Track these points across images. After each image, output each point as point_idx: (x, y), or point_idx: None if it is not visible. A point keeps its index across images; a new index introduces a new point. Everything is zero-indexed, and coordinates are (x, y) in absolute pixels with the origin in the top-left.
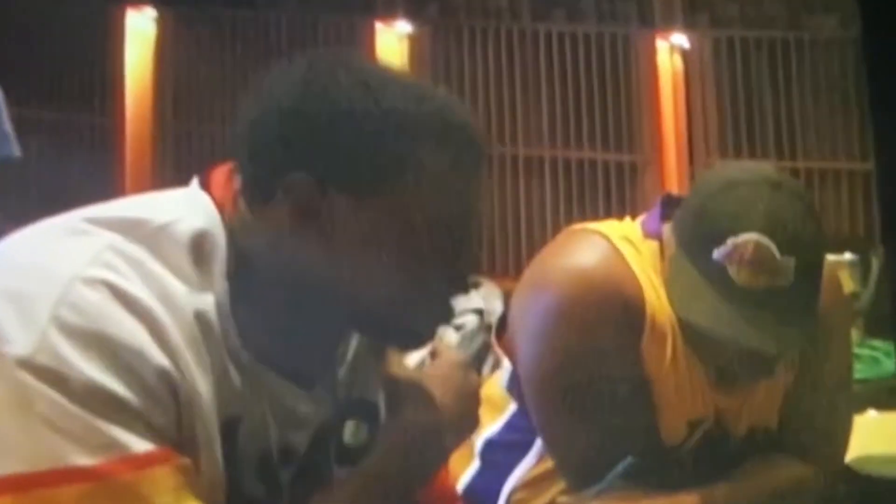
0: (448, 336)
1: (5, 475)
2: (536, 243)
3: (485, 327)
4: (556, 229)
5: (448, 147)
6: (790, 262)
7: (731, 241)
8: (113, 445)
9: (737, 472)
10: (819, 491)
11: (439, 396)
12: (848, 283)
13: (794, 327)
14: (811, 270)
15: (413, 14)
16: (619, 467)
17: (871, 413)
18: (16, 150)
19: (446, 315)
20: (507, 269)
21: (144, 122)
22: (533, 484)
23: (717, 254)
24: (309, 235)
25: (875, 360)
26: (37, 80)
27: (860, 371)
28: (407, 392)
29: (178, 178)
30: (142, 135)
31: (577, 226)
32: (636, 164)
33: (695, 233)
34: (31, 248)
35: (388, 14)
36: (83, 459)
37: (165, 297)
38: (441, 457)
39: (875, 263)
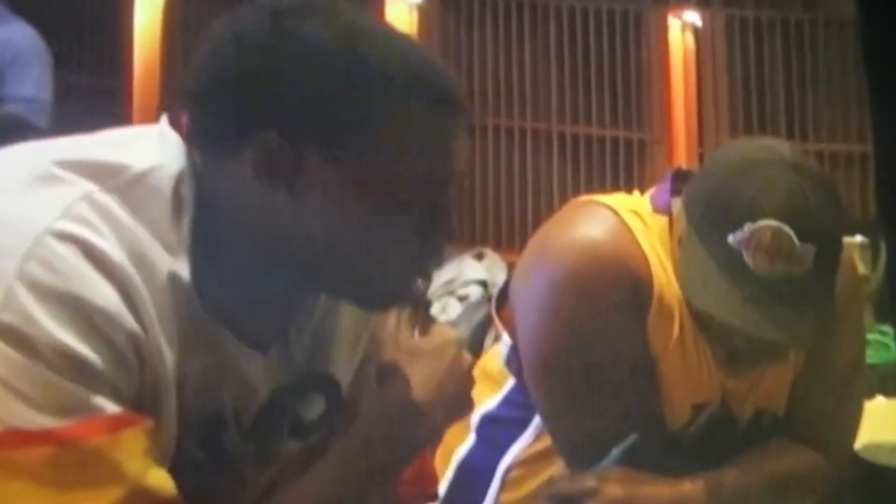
0: (452, 307)
1: None
2: (542, 217)
3: (488, 299)
4: (563, 204)
5: (432, 111)
6: (809, 249)
7: (748, 227)
8: (80, 408)
9: (742, 457)
10: (826, 479)
11: (431, 372)
12: (859, 266)
13: (809, 317)
14: (830, 258)
15: None
16: (620, 448)
17: (881, 399)
18: (42, 122)
19: (415, 280)
20: (513, 243)
21: (152, 87)
22: (530, 462)
23: (732, 239)
24: (276, 194)
25: (884, 346)
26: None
27: (869, 356)
28: (397, 365)
29: None
30: (150, 100)
31: (584, 197)
32: (645, 141)
33: (709, 215)
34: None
35: None
36: (47, 421)
37: (140, 257)
38: (429, 435)
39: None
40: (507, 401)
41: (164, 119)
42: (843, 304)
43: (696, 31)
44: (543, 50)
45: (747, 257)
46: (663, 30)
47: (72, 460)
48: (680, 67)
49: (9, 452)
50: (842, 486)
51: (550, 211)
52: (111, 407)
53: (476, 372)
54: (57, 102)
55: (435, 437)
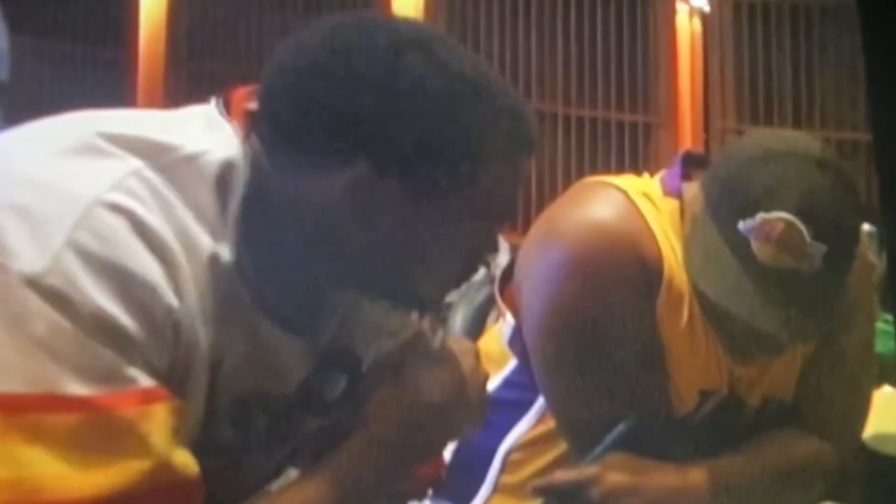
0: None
1: None
2: (546, 199)
3: (490, 279)
4: (567, 186)
5: (514, 154)
6: (821, 249)
7: (760, 216)
8: (114, 377)
9: (749, 445)
10: (833, 468)
11: (450, 378)
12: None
13: (811, 316)
14: (841, 261)
15: None
16: (613, 433)
17: (887, 389)
18: (2, 74)
19: (453, 289)
20: (515, 224)
21: (157, 59)
22: (531, 445)
23: (743, 225)
24: (354, 220)
25: (889, 335)
26: (52, 12)
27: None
28: (417, 368)
29: None
30: (154, 71)
31: (593, 178)
32: (650, 125)
33: (725, 199)
34: (44, 163)
35: None
36: (81, 388)
37: (184, 236)
38: (443, 440)
39: None
40: (507, 382)
41: (214, 103)
42: (854, 294)
43: (703, 15)
44: (550, 33)
45: (755, 247)
46: (671, 14)
47: (100, 429)
48: (687, 52)
49: (40, 416)
50: (848, 477)
51: (555, 193)
52: (144, 380)
53: None
54: (62, 72)
55: (447, 442)
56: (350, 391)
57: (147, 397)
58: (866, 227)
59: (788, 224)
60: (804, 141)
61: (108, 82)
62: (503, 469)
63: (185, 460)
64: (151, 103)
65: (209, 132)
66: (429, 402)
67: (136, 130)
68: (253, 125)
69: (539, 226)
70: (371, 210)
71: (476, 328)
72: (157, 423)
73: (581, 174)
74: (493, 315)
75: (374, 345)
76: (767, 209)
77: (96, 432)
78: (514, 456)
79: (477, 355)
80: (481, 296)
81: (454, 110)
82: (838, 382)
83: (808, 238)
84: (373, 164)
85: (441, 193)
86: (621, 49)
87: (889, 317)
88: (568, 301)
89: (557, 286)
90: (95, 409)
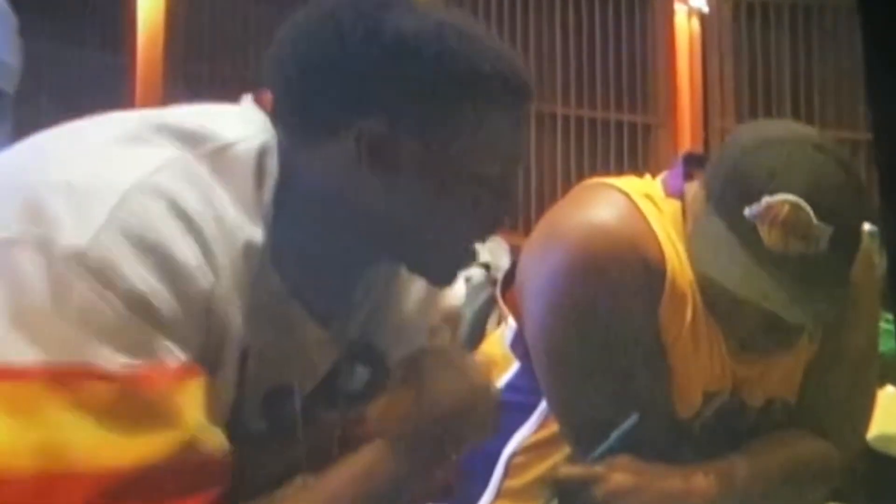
0: (454, 287)
1: (33, 362)
2: (546, 200)
3: (490, 282)
4: (567, 187)
5: (511, 100)
6: (826, 229)
7: (765, 200)
8: (151, 351)
9: (752, 446)
10: (837, 468)
11: (465, 386)
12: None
13: (821, 298)
14: (848, 241)
15: None
16: (619, 429)
17: (890, 389)
18: (8, 87)
19: (473, 256)
20: (516, 225)
21: (156, 63)
22: (535, 448)
23: (748, 211)
24: (370, 175)
25: (890, 334)
26: (49, 16)
27: None
28: (436, 371)
29: None
30: (153, 76)
31: (595, 180)
32: (650, 125)
33: (728, 186)
34: (95, 149)
35: None
36: (118, 360)
37: (221, 223)
38: (455, 447)
39: None
40: (510, 386)
41: (247, 97)
42: (858, 293)
43: (702, 15)
44: (549, 32)
45: (762, 232)
46: (669, 14)
47: (136, 401)
48: (686, 52)
49: (78, 385)
50: (852, 477)
51: (554, 193)
52: (180, 355)
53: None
54: (60, 75)
55: (460, 448)
56: (373, 385)
57: (182, 373)
58: (867, 226)
59: (794, 205)
60: (800, 127)
61: (107, 86)
62: (506, 473)
63: (218, 437)
64: (150, 106)
65: (245, 122)
66: (444, 408)
67: (181, 122)
68: (273, 109)
69: (541, 228)
70: (385, 160)
71: (477, 331)
72: (191, 397)
73: (580, 174)
74: (493, 318)
75: (399, 341)
76: (772, 193)
77: (132, 404)
78: (518, 460)
79: (489, 371)
80: (482, 299)
81: (441, 51)
82: (841, 382)
83: (814, 219)
84: (376, 115)
85: (442, 140)
86: (620, 49)
87: (890, 316)
88: (570, 304)
89: (560, 289)
90: (132, 382)
